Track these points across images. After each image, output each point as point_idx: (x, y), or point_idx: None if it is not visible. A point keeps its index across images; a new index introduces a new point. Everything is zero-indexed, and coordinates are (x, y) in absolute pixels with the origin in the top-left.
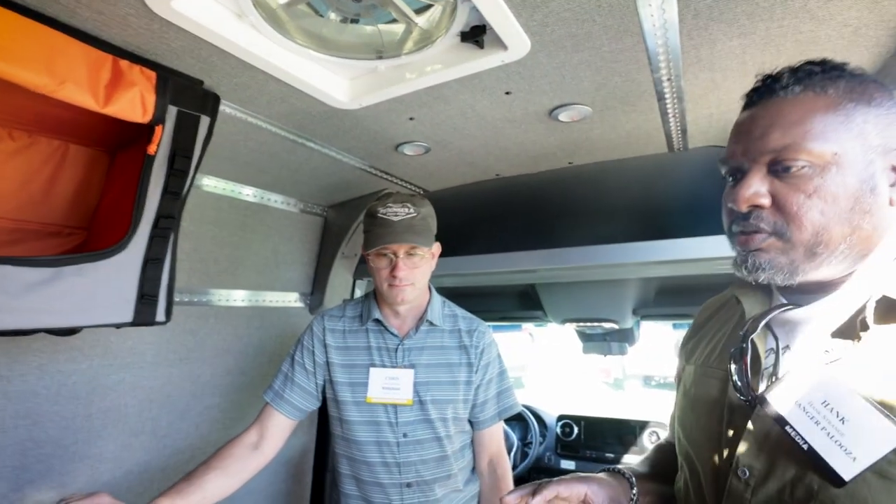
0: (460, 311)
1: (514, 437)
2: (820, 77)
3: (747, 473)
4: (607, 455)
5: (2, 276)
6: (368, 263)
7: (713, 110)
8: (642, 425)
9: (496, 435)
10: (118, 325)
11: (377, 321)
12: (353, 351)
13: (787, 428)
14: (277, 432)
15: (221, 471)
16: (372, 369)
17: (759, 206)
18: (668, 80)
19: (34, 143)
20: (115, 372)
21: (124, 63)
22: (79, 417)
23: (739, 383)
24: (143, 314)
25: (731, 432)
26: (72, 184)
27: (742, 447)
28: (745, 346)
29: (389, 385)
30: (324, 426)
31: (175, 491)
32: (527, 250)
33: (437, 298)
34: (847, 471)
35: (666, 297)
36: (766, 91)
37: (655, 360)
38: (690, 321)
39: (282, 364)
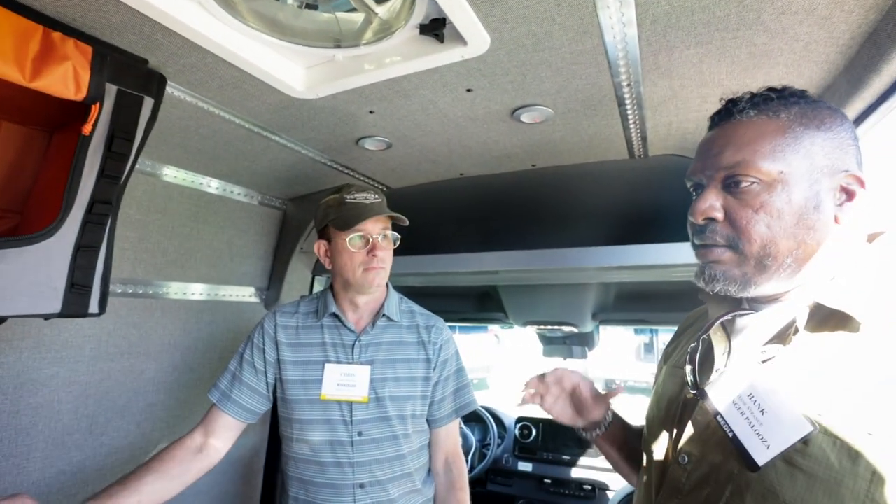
0: (417, 308)
1: (473, 439)
2: (776, 102)
3: (686, 460)
4: (564, 457)
5: None
6: (334, 251)
7: (672, 118)
8: None
9: (452, 433)
10: (45, 317)
11: (334, 316)
12: (307, 347)
13: (718, 418)
14: (224, 434)
15: (160, 474)
16: (327, 365)
17: (713, 219)
18: (628, 85)
19: None
20: (48, 366)
21: (56, 35)
22: (4, 414)
23: (691, 378)
24: (74, 305)
25: (680, 424)
26: (3, 163)
27: (685, 436)
28: (696, 344)
29: (345, 382)
30: (276, 425)
31: (107, 494)
32: (489, 251)
33: (394, 294)
34: (761, 457)
35: (624, 303)
36: (725, 114)
37: (617, 364)
38: (649, 327)
39: (229, 363)
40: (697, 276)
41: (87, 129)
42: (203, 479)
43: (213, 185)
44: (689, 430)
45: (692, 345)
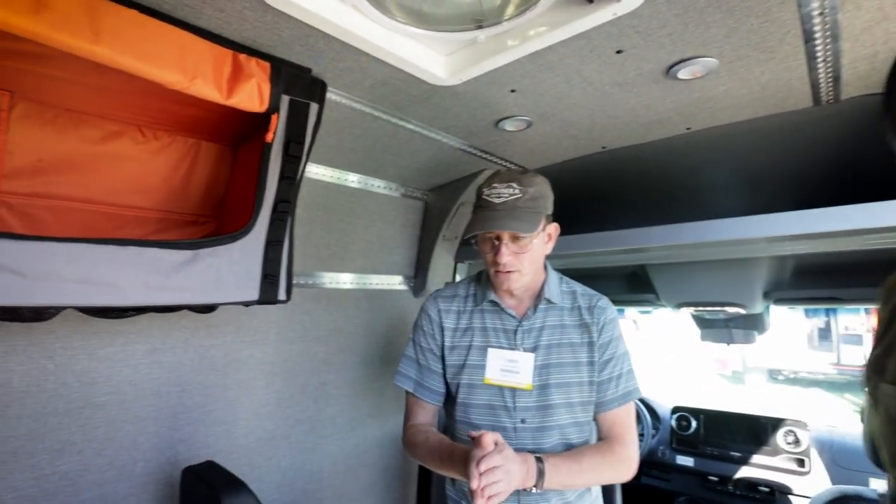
0: (579, 287)
1: None
2: None
3: None
4: (732, 453)
5: (154, 257)
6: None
7: (878, 48)
8: (776, 423)
9: (620, 419)
10: (247, 303)
11: (493, 302)
12: (469, 332)
13: None
14: (433, 419)
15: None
16: (490, 350)
17: None
18: (821, 14)
19: (173, 142)
20: (246, 348)
21: (242, 56)
22: (217, 387)
23: None
24: (267, 293)
25: None
26: (204, 177)
27: None
28: None
29: (508, 368)
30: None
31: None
32: (636, 227)
33: (554, 275)
34: None
35: (805, 279)
36: None
37: (783, 352)
38: (833, 307)
39: (406, 350)
40: None
41: (269, 136)
42: (371, 451)
43: (353, 180)
44: None
45: None
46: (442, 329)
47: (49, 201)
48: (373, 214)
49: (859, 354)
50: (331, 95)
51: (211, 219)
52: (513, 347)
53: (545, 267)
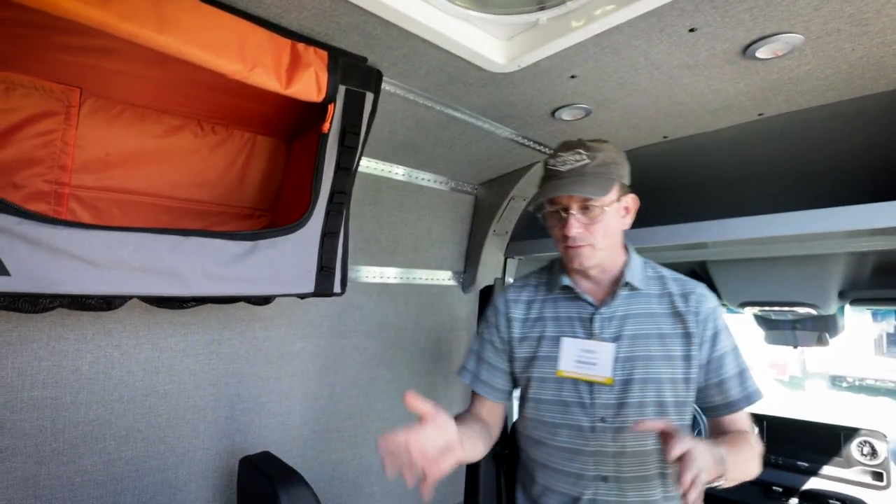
0: (668, 272)
1: None
2: None
3: None
4: (799, 463)
5: (215, 247)
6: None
7: None
8: (849, 433)
9: (742, 421)
10: (303, 296)
11: (567, 287)
12: (541, 322)
13: None
14: (487, 414)
15: (475, 437)
16: (564, 339)
17: None
18: None
19: (231, 136)
20: (299, 340)
21: (300, 46)
22: (271, 379)
23: None
24: (323, 285)
25: None
26: (259, 170)
27: None
28: None
29: (584, 359)
30: None
31: (461, 421)
32: (696, 221)
33: (636, 258)
34: None
35: (887, 277)
36: None
37: (845, 357)
38: None
39: (472, 343)
40: None
41: (325, 127)
42: None
43: (400, 174)
44: None
45: None
46: (509, 320)
47: (115, 195)
48: (423, 209)
49: None
50: (385, 86)
51: (266, 212)
52: (589, 336)
53: (626, 248)
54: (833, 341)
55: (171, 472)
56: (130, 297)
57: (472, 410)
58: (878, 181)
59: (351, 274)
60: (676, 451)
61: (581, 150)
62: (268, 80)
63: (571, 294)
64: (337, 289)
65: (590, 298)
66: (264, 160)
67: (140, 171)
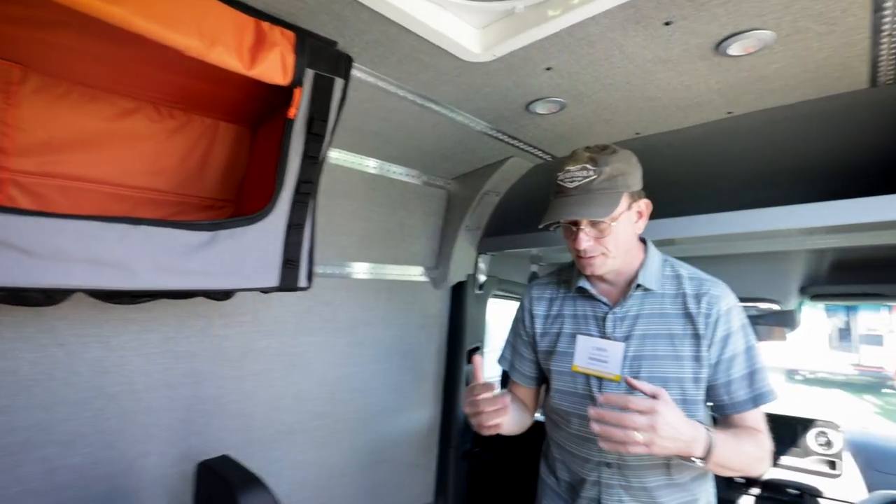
0: (687, 271)
1: None
2: None
3: None
4: None
5: (169, 237)
6: None
7: None
8: (805, 424)
9: (754, 420)
10: (266, 290)
11: (582, 289)
12: (560, 318)
13: None
14: (524, 397)
15: (517, 412)
16: (579, 337)
17: None
18: None
19: (190, 122)
20: (263, 338)
21: (265, 24)
22: (232, 379)
23: None
24: (288, 279)
25: None
26: (222, 159)
27: None
28: None
29: (596, 356)
30: (449, 400)
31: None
32: (663, 218)
33: (656, 258)
34: None
35: (846, 273)
36: None
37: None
38: (862, 304)
39: (508, 334)
40: None
41: (292, 112)
42: (390, 447)
43: (372, 166)
44: None
45: None
46: (532, 316)
47: (60, 181)
48: (394, 203)
49: (880, 355)
50: (356, 73)
51: (229, 203)
52: (602, 335)
53: (645, 247)
54: (790, 336)
55: (121, 480)
56: (73, 291)
57: (512, 391)
58: (838, 181)
59: (319, 268)
60: (646, 403)
61: (588, 166)
62: (229, 59)
63: (588, 294)
64: (303, 283)
65: (604, 299)
66: (227, 148)
67: (88, 157)
